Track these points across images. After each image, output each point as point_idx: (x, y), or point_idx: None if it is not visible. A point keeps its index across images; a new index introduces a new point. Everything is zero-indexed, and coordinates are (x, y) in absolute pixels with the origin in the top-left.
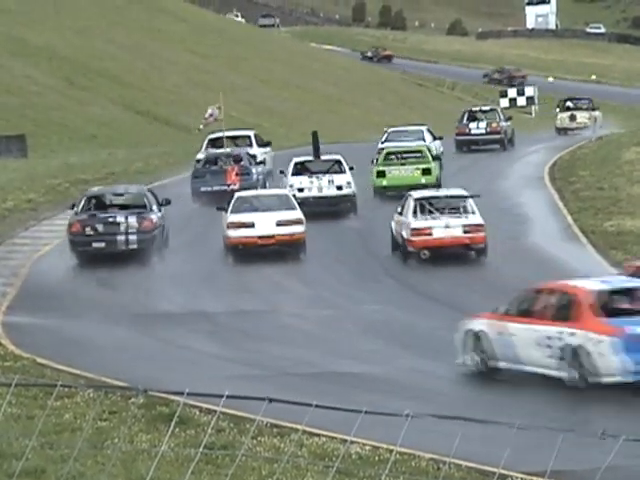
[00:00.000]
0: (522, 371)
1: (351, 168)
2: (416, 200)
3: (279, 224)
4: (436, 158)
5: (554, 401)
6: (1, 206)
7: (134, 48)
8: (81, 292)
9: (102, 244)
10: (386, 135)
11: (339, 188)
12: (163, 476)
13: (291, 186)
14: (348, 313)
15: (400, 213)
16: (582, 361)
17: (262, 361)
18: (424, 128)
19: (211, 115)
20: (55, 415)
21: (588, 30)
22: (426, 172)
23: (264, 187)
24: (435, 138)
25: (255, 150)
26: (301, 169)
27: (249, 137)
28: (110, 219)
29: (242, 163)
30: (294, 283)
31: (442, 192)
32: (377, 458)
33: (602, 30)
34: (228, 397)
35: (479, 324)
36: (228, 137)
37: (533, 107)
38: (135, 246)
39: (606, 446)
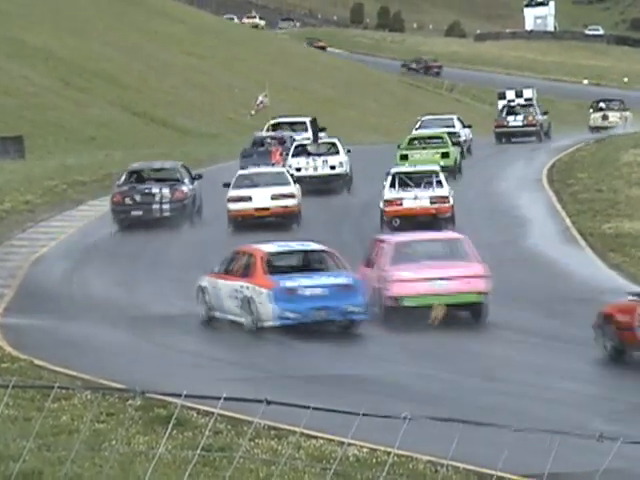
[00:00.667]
0: (227, 319)
1: (348, 151)
2: (393, 175)
3: (274, 197)
4: (456, 144)
5: (549, 402)
6: None
7: (131, 49)
8: (78, 294)
9: (140, 212)
10: (420, 122)
11: (332, 168)
12: (161, 478)
13: (290, 166)
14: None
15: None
16: (252, 309)
17: (260, 363)
18: (454, 116)
19: (261, 102)
20: (52, 417)
21: (587, 32)
22: (445, 155)
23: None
24: (464, 126)
25: (310, 135)
26: (301, 151)
27: (305, 123)
28: (146, 190)
29: (285, 144)
30: None
31: (417, 168)
32: (375, 460)
33: (601, 32)
34: (226, 399)
35: (204, 281)
36: (287, 122)
37: (531, 109)
38: (168, 214)
39: (604, 448)
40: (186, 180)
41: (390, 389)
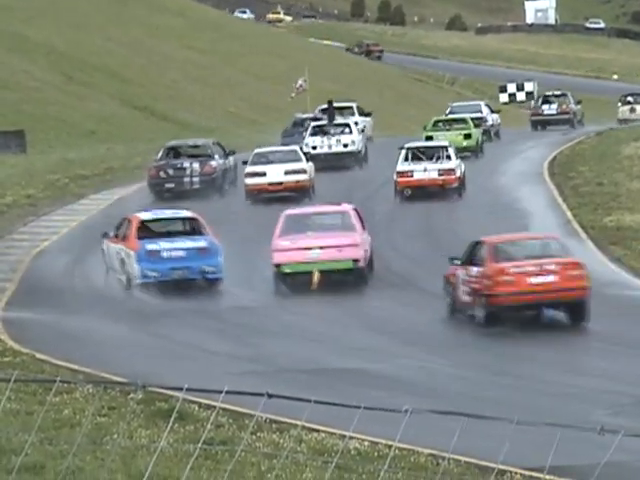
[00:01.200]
0: (122, 279)
1: (362, 131)
2: (407, 149)
3: (287, 173)
4: (477, 125)
5: (551, 395)
6: (0, 202)
7: (132, 44)
8: (80, 287)
9: (172, 185)
10: (450, 108)
11: (345, 146)
12: (162, 472)
13: (306, 145)
14: (350, 309)
15: None
16: (126, 269)
17: (262, 357)
18: (482, 102)
19: (300, 86)
20: (54, 411)
21: (587, 25)
22: (467, 137)
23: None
24: (492, 111)
25: (357, 118)
26: (318, 131)
27: (352, 107)
28: (178, 165)
29: None
30: None
31: (428, 143)
32: (376, 454)
33: (602, 25)
34: (227, 393)
35: (104, 244)
36: (335, 107)
37: (532, 102)
38: (198, 186)
39: (605, 441)
40: (217, 156)
41: (391, 382)
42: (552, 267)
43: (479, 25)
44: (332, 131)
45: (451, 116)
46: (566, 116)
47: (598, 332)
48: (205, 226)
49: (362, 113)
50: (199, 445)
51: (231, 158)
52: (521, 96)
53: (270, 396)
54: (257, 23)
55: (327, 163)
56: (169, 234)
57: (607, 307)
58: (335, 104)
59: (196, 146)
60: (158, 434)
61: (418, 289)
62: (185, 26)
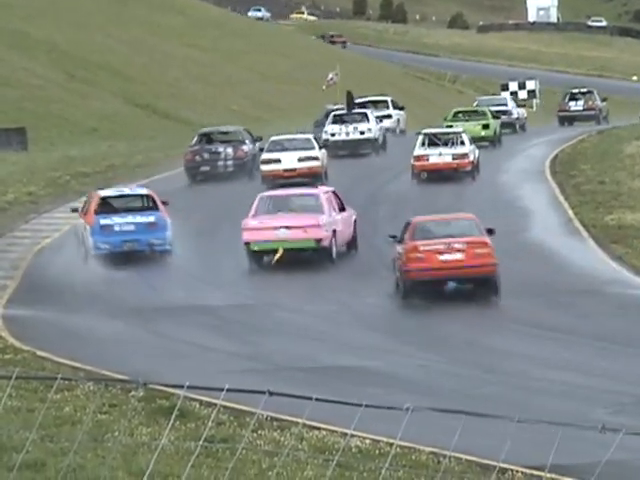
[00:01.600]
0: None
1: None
2: (424, 134)
3: (300, 160)
4: (496, 117)
5: (552, 394)
6: (2, 199)
7: (134, 42)
8: (81, 285)
9: (207, 168)
10: (477, 102)
11: (362, 133)
12: (163, 469)
13: (326, 132)
14: (349, 308)
15: None
16: (84, 242)
17: (259, 355)
18: (508, 97)
19: (332, 79)
20: (55, 408)
21: (590, 23)
22: (485, 127)
23: (384, 141)
24: (518, 105)
25: (391, 111)
26: (337, 119)
27: (386, 101)
28: (213, 149)
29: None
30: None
31: (443, 129)
32: (377, 452)
33: (604, 23)
34: (228, 390)
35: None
36: (371, 101)
37: (534, 100)
38: (231, 169)
39: (606, 440)
40: (247, 141)
41: (392, 380)
42: (460, 246)
43: (481, 23)
44: (348, 120)
45: (470, 108)
46: (592, 112)
47: (599, 331)
48: (159, 203)
49: (396, 107)
50: (200, 443)
51: (257, 144)
52: (523, 94)
53: (271, 394)
54: (259, 21)
55: (345, 149)
56: (125, 210)
57: (608, 306)
58: (369, 98)
59: (227, 132)
60: (159, 432)
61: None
62: (187, 24)
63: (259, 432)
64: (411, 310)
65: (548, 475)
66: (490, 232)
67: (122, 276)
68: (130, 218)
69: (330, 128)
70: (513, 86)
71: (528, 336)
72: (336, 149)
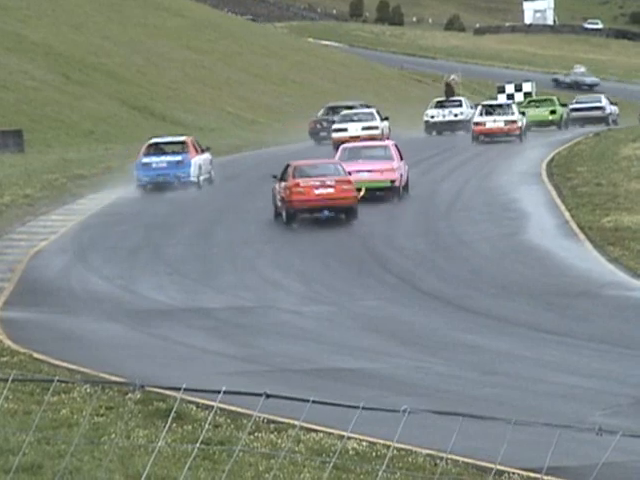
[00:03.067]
0: None
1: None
2: (482, 105)
3: (363, 128)
4: (564, 105)
5: (549, 396)
6: None
7: (130, 44)
8: (78, 287)
9: (325, 133)
10: (575, 100)
11: (455, 115)
12: (160, 472)
13: (426, 114)
14: (347, 309)
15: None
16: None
17: (257, 357)
18: (602, 96)
19: (453, 79)
20: (52, 410)
21: (586, 26)
22: (552, 112)
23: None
24: (612, 103)
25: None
26: (438, 105)
27: (372, 113)
28: (330, 119)
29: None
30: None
31: (498, 102)
32: (374, 454)
33: (600, 26)
34: (225, 393)
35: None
36: (447, 100)
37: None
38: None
39: (603, 442)
40: (377, 119)
41: (389, 382)
42: (331, 182)
43: (477, 26)
44: (448, 105)
45: (541, 96)
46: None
47: (595, 333)
48: (191, 146)
49: (381, 118)
50: (197, 445)
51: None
52: (519, 97)
53: (268, 396)
54: (255, 23)
55: (442, 128)
56: (163, 152)
57: (605, 308)
58: (355, 110)
59: (353, 107)
60: (156, 434)
61: (414, 289)
62: (183, 26)
63: (256, 434)
64: (409, 312)
65: (545, 477)
66: (350, 174)
67: (119, 277)
68: (163, 157)
69: (430, 112)
70: (510, 88)
71: (525, 338)
72: (435, 128)
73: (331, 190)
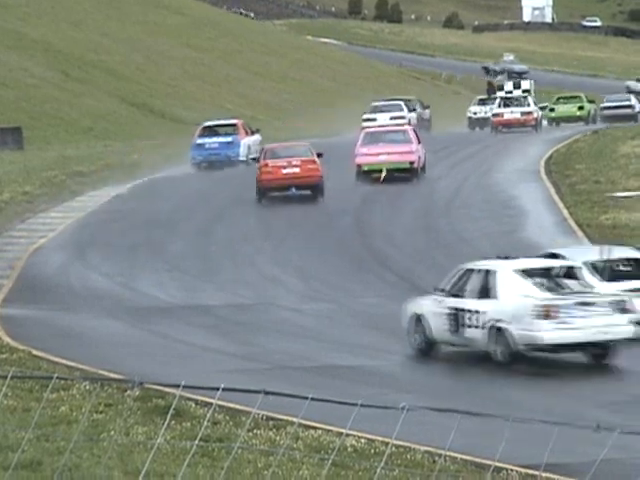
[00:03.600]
0: None
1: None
2: (500, 98)
3: (391, 118)
4: (591, 101)
5: (552, 395)
6: None
7: (130, 41)
8: (77, 284)
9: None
10: (605, 99)
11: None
12: (159, 468)
13: (469, 111)
14: (346, 307)
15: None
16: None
17: (256, 354)
18: (632, 96)
19: (499, 80)
20: (51, 407)
21: (584, 23)
22: (580, 108)
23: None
24: (590, 102)
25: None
26: (481, 103)
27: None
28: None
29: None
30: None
31: (515, 95)
32: (372, 451)
33: (598, 23)
34: (224, 390)
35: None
36: (488, 98)
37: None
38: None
39: (601, 439)
40: (405, 110)
41: (388, 380)
42: (297, 162)
43: (476, 23)
44: (512, 102)
45: (568, 93)
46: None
47: None
48: (241, 128)
49: (493, 91)
50: (196, 442)
51: (427, 111)
52: (517, 94)
53: (267, 393)
54: (254, 21)
55: (484, 124)
56: (216, 133)
57: None
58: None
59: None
60: (155, 431)
61: (413, 286)
62: (183, 24)
63: (255, 431)
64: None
65: (544, 474)
66: (319, 155)
67: (118, 274)
68: (215, 139)
69: (473, 108)
70: (508, 86)
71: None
72: (477, 124)
73: (297, 170)
